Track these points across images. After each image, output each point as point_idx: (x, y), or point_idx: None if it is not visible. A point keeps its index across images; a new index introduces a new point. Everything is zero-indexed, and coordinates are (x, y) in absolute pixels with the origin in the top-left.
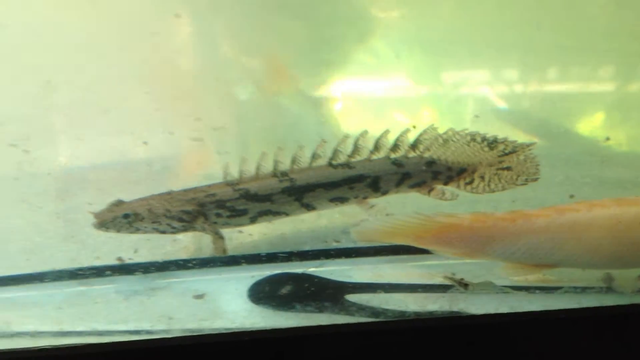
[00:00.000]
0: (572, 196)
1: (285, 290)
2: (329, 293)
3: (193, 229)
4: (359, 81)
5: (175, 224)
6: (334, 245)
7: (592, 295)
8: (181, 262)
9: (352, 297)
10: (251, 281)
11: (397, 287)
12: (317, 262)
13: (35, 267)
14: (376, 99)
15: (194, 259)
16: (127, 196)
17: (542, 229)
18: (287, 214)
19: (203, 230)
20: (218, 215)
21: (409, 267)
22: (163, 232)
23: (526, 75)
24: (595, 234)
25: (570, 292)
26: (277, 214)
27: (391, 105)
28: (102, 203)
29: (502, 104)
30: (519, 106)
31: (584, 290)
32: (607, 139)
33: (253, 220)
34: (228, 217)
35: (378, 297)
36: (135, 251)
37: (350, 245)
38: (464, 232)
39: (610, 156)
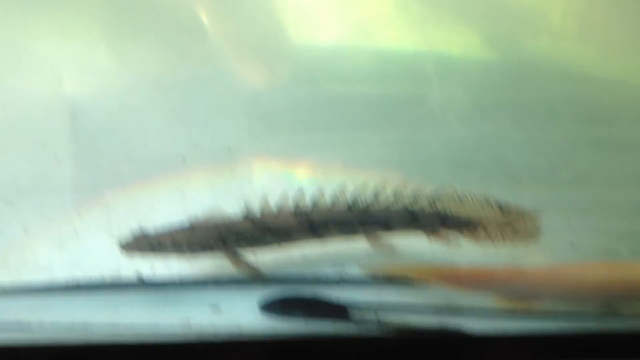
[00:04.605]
0: None
1: (295, 307)
2: (334, 310)
3: (213, 254)
4: None
5: (197, 250)
6: (340, 270)
7: None
8: (200, 279)
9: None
10: (263, 297)
11: (396, 307)
12: (325, 284)
13: None
14: None
15: (212, 277)
16: None
17: None
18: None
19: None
20: (238, 244)
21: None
22: (184, 257)
23: None
24: None
25: None
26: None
27: None
28: None
29: None
30: None
31: None
32: None
33: (270, 248)
34: (246, 245)
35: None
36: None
37: (355, 271)
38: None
39: None
